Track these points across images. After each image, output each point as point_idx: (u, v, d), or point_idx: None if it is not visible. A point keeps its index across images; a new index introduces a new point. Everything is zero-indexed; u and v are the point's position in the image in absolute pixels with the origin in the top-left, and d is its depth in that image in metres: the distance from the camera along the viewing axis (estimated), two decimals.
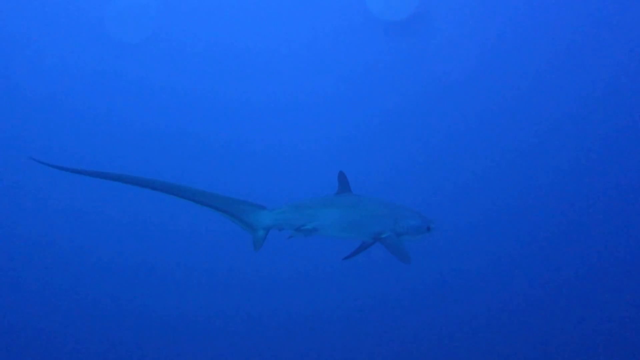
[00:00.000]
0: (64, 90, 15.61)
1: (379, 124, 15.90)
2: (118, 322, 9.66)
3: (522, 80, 15.63)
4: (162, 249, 11.98)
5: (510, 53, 15.91)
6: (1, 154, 13.62)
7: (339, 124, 16.08)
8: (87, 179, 3.59)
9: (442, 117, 15.67)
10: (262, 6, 16.83)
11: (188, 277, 11.11)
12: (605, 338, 8.86)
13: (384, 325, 9.42)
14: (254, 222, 3.96)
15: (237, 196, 3.90)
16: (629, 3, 15.03)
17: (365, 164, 13.27)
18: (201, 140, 15.73)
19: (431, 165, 14.41)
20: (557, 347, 8.74)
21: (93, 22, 15.60)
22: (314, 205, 4.11)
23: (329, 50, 16.75)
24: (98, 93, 15.91)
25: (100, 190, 11.28)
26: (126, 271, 11.25)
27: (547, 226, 12.79)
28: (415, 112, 15.99)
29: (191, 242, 11.95)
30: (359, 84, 16.51)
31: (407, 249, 3.97)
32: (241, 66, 17.08)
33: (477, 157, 14.71)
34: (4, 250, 11.71)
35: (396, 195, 5.46)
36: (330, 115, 16.34)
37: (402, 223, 4.08)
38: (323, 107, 16.54)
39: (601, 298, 10.17)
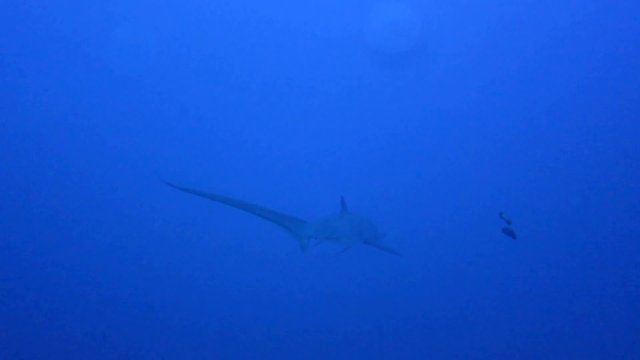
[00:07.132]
0: (65, 125, 15.74)
1: (375, 153, 15.87)
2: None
3: (520, 116, 15.54)
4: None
5: (509, 89, 15.92)
6: None
7: (334, 154, 16.14)
8: None
9: (439, 149, 15.55)
10: (264, 36, 17.15)
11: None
12: None
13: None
14: (300, 233, 5.26)
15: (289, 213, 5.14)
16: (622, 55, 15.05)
17: (355, 191, 13.18)
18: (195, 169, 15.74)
19: (425, 196, 14.19)
20: None
21: (92, 57, 15.93)
22: (334, 220, 5.55)
23: (326, 83, 16.89)
24: (100, 127, 16.03)
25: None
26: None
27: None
28: (412, 143, 15.98)
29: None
30: (356, 115, 16.58)
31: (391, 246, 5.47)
32: (242, 99, 17.28)
33: (473, 189, 14.42)
34: None
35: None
36: (325, 145, 16.40)
37: (376, 231, 5.83)
38: (319, 136, 16.63)
39: None
